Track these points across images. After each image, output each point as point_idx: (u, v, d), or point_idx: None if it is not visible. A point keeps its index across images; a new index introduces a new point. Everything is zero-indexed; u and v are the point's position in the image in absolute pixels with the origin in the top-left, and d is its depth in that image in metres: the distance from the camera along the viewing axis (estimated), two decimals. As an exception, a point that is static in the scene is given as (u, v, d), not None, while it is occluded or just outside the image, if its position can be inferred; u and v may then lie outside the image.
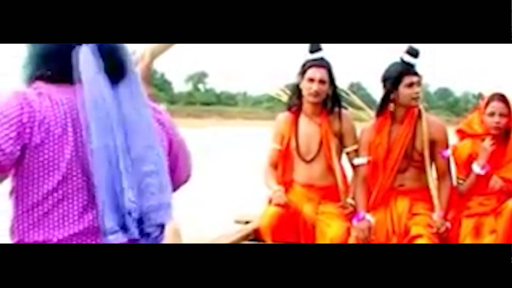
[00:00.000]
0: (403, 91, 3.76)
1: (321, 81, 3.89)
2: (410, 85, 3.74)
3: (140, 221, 1.54)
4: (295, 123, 4.03)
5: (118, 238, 1.51)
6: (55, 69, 1.57)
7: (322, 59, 3.93)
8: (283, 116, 4.12)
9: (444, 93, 65.27)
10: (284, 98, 4.46)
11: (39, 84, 1.56)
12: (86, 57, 1.53)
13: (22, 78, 1.62)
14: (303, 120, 4.03)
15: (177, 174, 1.73)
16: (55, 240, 1.49)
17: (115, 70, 1.57)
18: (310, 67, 3.90)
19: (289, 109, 4.08)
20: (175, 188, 1.72)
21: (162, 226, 1.60)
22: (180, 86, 77.22)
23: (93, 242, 1.52)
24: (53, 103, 1.52)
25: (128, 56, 1.63)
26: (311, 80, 3.89)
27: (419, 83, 3.76)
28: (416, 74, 3.75)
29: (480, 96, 4.30)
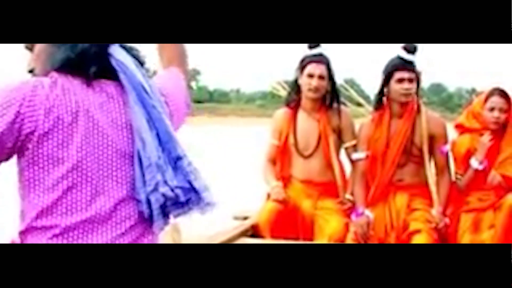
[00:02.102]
0: (393, 86, 3.75)
1: (321, 77, 3.88)
2: (400, 80, 3.73)
3: (181, 203, 1.57)
4: (294, 118, 4.02)
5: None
6: (75, 64, 1.58)
7: (321, 54, 3.92)
8: (281, 112, 4.12)
9: (437, 88, 65.37)
10: (282, 93, 4.45)
11: (54, 74, 1.57)
12: (123, 55, 1.61)
13: (39, 69, 1.64)
14: (301, 116, 4.02)
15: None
16: (62, 225, 1.50)
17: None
18: (309, 62, 3.89)
19: (287, 104, 4.08)
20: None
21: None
22: (172, 83, 77.03)
23: (100, 230, 1.53)
24: (65, 92, 1.53)
25: (137, 52, 1.69)
26: (311, 76, 3.88)
27: (410, 80, 3.73)
28: (410, 70, 3.73)
29: (473, 91, 4.31)
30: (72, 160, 1.50)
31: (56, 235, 1.50)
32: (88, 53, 1.58)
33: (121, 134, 1.57)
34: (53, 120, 1.49)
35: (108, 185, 1.54)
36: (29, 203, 1.52)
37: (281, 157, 4.06)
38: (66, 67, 1.57)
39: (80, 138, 1.51)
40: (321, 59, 3.90)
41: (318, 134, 3.96)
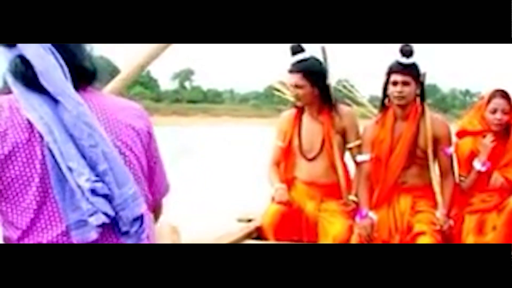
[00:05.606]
0: (389, 88, 3.78)
1: (297, 86, 3.88)
2: (394, 83, 3.75)
3: (114, 221, 1.50)
4: (299, 120, 4.02)
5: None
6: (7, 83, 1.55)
7: (298, 62, 3.89)
8: (287, 114, 4.11)
9: (432, 89, 65.41)
10: (286, 93, 4.44)
11: (0, 98, 1.55)
12: (45, 64, 1.50)
13: None
14: (306, 118, 4.02)
15: (154, 188, 1.70)
16: (45, 241, 1.48)
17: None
18: (289, 72, 3.91)
19: (295, 106, 4.07)
20: (156, 201, 1.72)
21: (138, 219, 1.54)
22: (166, 83, 77.33)
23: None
24: (13, 111, 1.51)
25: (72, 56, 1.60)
26: (291, 85, 3.91)
27: (404, 83, 3.73)
28: (404, 73, 3.73)
29: (467, 92, 4.32)
30: (39, 175, 1.48)
31: None
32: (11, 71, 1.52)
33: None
34: (10, 142, 1.48)
35: None
36: (9, 228, 1.51)
37: (285, 159, 4.05)
38: (4, 88, 1.55)
39: (40, 150, 1.49)
40: (296, 68, 3.88)
41: (322, 136, 3.95)
